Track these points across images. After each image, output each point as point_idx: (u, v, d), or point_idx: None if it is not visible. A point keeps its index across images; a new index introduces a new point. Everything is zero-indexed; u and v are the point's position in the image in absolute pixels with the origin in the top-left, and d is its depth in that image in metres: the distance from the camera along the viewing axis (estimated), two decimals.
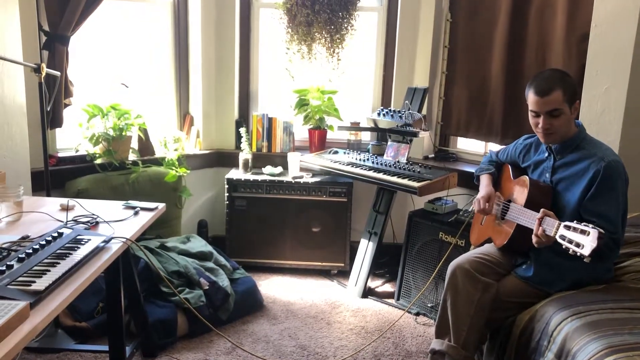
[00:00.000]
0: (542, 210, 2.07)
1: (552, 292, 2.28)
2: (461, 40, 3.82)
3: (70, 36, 3.17)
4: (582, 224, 1.88)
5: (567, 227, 1.93)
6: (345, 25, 3.91)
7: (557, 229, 1.97)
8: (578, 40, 3.12)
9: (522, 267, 2.39)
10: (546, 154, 2.39)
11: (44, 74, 2.61)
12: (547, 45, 3.31)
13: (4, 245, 1.81)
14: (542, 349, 2.06)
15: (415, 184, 3.21)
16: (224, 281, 3.21)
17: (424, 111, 3.75)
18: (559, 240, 1.95)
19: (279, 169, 3.94)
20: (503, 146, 2.78)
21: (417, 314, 3.36)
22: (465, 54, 3.80)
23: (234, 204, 3.82)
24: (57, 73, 2.80)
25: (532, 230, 2.12)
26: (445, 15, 3.87)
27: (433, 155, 4.04)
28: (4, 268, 1.56)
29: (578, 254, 1.86)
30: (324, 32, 3.90)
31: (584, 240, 1.84)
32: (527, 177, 2.38)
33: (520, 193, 2.37)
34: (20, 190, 2.18)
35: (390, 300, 3.54)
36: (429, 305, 3.32)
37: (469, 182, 3.18)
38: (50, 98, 2.95)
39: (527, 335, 2.18)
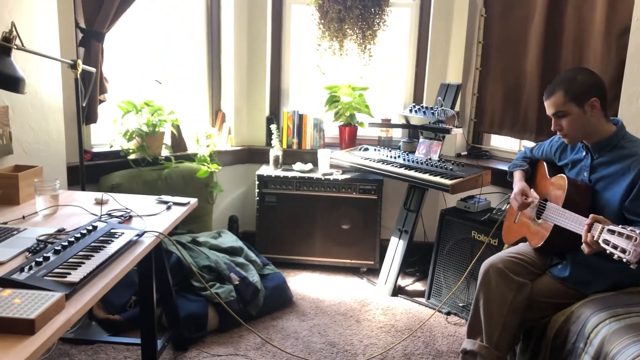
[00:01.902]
0: (592, 215, 1.95)
1: (588, 293, 2.22)
2: (496, 36, 3.75)
3: (106, 33, 3.22)
4: (629, 228, 1.78)
5: (612, 232, 1.83)
6: (377, 21, 3.88)
7: (601, 233, 1.88)
8: (618, 35, 3.03)
9: (558, 267, 2.33)
10: (584, 153, 2.32)
11: (80, 70, 2.66)
12: (585, 40, 3.22)
13: (40, 238, 1.85)
14: (578, 351, 2.01)
15: (448, 182, 3.17)
16: (254, 277, 3.22)
17: (457, 108, 3.70)
18: (602, 245, 1.86)
19: (309, 166, 3.94)
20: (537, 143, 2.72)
21: (448, 314, 3.32)
22: (500, 50, 3.73)
23: (264, 200, 3.83)
24: (93, 69, 2.85)
25: (570, 231, 2.06)
26: (480, 11, 3.81)
27: (466, 152, 3.98)
28: (40, 260, 1.59)
29: (624, 260, 1.77)
30: (355, 28, 3.88)
31: (629, 246, 1.75)
32: (564, 176, 2.31)
33: (557, 192, 2.31)
34: (57, 184, 2.22)
35: (420, 299, 3.51)
36: (460, 304, 3.28)
37: (503, 180, 3.12)
38: (86, 94, 3.00)
39: (562, 337, 2.13)
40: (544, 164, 2.55)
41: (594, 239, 1.90)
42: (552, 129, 2.29)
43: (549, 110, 2.26)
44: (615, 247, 1.80)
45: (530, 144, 3.59)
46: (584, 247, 1.97)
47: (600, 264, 2.18)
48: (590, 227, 1.94)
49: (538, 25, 3.44)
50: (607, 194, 2.19)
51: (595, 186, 2.24)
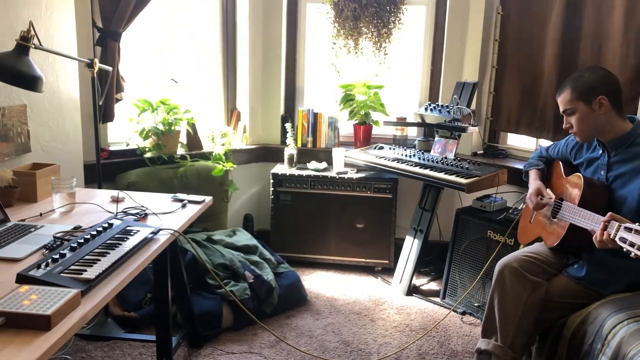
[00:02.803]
0: (609, 213, 1.94)
1: (605, 293, 2.19)
2: (512, 34, 3.71)
3: (122, 32, 3.24)
4: None
5: (629, 230, 1.81)
6: (393, 19, 3.87)
7: (617, 231, 1.86)
8: (637, 32, 2.98)
9: (574, 266, 2.30)
10: (600, 151, 2.30)
11: (96, 69, 2.68)
12: (604, 38, 3.18)
13: (57, 235, 1.87)
14: (595, 353, 1.98)
15: (463, 181, 3.15)
16: (268, 275, 3.23)
17: (473, 106, 3.67)
18: (619, 243, 1.84)
19: (324, 165, 3.93)
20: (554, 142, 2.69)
21: (463, 313, 3.30)
22: (517, 48, 3.69)
23: (278, 199, 3.84)
24: (109, 68, 2.87)
25: (586, 230, 2.03)
26: (496, 8, 3.77)
27: (482, 151, 3.95)
28: (57, 256, 1.60)
29: None
30: (370, 27, 3.87)
31: None
32: (580, 175, 2.29)
33: (573, 191, 2.29)
34: (73, 182, 2.25)
35: (435, 299, 3.49)
36: (475, 304, 3.25)
37: (519, 179, 3.09)
38: (103, 93, 3.02)
39: (579, 338, 2.10)
40: (560, 163, 2.52)
41: (610, 236, 1.89)
42: (563, 126, 2.30)
43: (560, 108, 2.28)
44: (632, 244, 1.78)
45: (547, 142, 3.55)
46: (597, 243, 1.96)
47: (617, 264, 2.15)
48: (606, 225, 1.92)
49: (555, 23, 3.40)
50: (624, 192, 2.16)
51: (612, 184, 2.21)
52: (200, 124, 3.80)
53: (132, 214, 2.16)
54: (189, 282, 2.86)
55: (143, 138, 3.50)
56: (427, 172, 3.36)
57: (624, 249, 1.82)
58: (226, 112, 4.17)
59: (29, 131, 2.65)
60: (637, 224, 1.82)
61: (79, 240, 1.74)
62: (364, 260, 3.85)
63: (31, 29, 2.18)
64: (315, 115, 4.07)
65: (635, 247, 1.77)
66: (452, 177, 3.22)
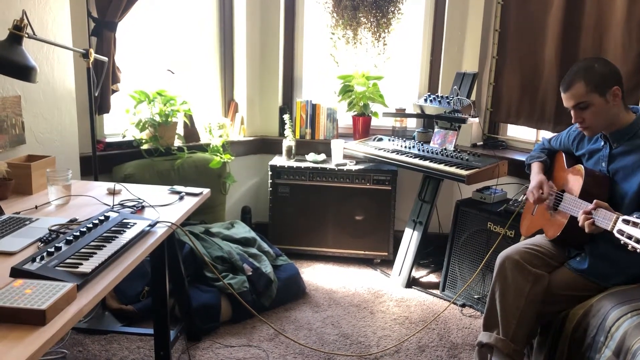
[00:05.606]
0: (595, 201, 1.96)
1: (608, 285, 2.17)
2: (513, 24, 3.68)
3: (118, 22, 3.20)
4: None
5: (626, 222, 1.81)
6: (392, 9, 3.83)
7: (615, 223, 1.86)
8: (639, 22, 2.95)
9: (576, 259, 2.29)
10: (602, 143, 2.27)
11: (92, 59, 2.64)
12: (605, 29, 3.14)
13: (53, 228, 1.84)
14: (598, 345, 1.97)
15: (464, 172, 3.12)
16: (267, 267, 3.21)
17: (473, 97, 3.64)
18: (617, 235, 1.84)
19: (322, 156, 3.90)
20: (555, 134, 2.66)
21: (463, 306, 3.28)
22: (517, 38, 3.66)
23: (277, 191, 3.81)
24: (105, 59, 2.83)
25: None
26: None
27: (482, 142, 3.92)
28: (52, 250, 1.57)
29: (638, 250, 1.75)
30: (369, 17, 3.83)
31: None
32: (582, 166, 2.27)
33: (574, 183, 2.27)
34: (69, 174, 2.21)
35: (435, 291, 3.47)
36: (475, 296, 3.24)
37: (519, 171, 3.07)
38: (98, 84, 2.98)
39: (582, 330, 2.08)
40: (563, 154, 2.50)
41: (594, 223, 1.94)
42: (573, 122, 2.22)
43: (569, 103, 2.18)
44: (629, 237, 1.77)
45: (547, 134, 3.53)
46: (586, 227, 1.99)
47: (619, 256, 2.13)
48: (588, 214, 1.97)
49: (556, 13, 3.36)
50: (625, 184, 2.14)
51: (615, 177, 2.19)
52: (197, 116, 3.76)
53: (128, 207, 2.13)
54: (186, 275, 2.83)
55: (140, 130, 3.46)
56: (426, 163, 3.33)
57: (622, 242, 1.81)
58: (223, 103, 4.13)
59: (24, 123, 2.62)
60: (634, 216, 1.81)
61: (74, 233, 1.71)
62: (363, 252, 3.83)
63: (24, 18, 2.14)
64: (314, 107, 4.04)
65: (633, 239, 1.76)
66: (452, 169, 3.20)
